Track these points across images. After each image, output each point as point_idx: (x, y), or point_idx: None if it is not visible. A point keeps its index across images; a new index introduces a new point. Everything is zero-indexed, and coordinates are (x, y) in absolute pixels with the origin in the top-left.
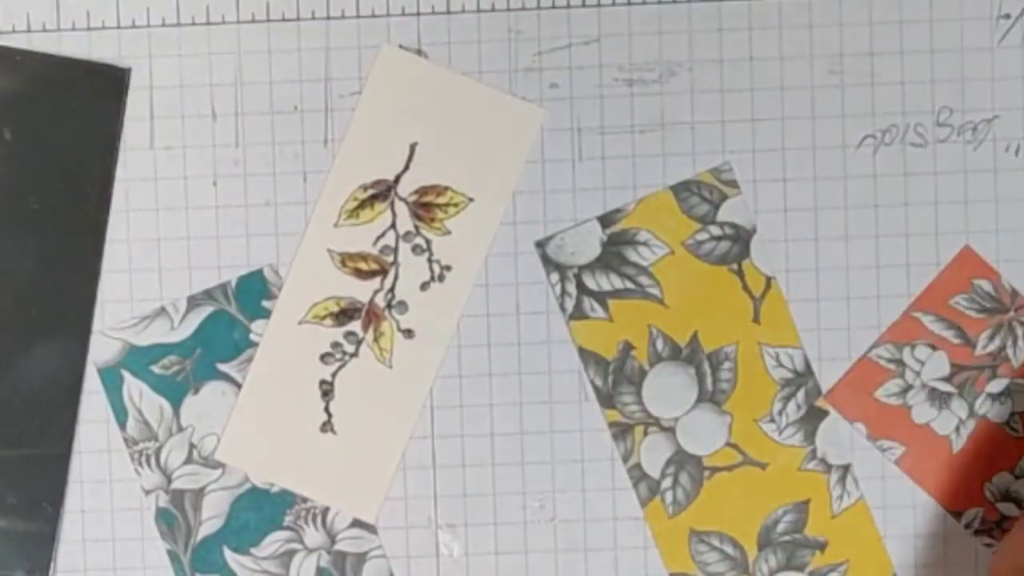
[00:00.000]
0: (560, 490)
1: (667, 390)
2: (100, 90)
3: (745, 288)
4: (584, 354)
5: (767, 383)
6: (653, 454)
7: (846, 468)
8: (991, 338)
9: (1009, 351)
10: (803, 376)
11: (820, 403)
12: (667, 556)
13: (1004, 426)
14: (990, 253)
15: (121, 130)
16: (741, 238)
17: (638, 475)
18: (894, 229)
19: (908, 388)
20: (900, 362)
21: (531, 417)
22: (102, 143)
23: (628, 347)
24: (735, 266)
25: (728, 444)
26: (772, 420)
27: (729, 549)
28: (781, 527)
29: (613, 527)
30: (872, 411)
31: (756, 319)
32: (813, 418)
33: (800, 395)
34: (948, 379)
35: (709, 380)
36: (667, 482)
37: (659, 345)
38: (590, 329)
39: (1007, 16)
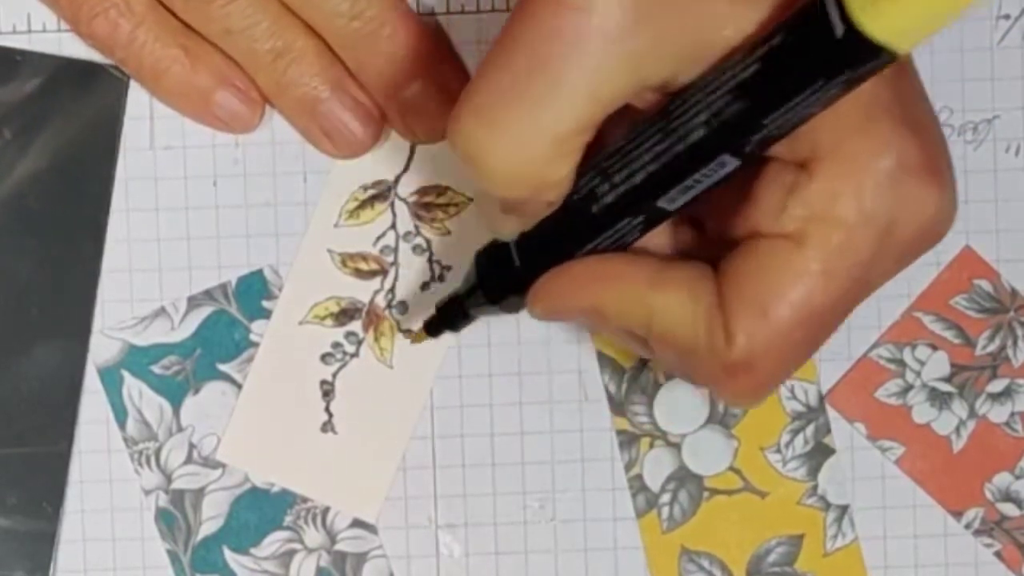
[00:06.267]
0: (560, 490)
1: (679, 406)
2: (100, 90)
3: None
4: (602, 357)
5: (778, 414)
6: (656, 467)
7: (844, 509)
8: (991, 338)
9: (1009, 351)
10: (815, 412)
11: (827, 441)
12: (655, 570)
13: (1004, 426)
14: (990, 253)
15: (121, 130)
16: None
17: (638, 486)
18: None
19: (908, 388)
20: (900, 362)
21: (531, 417)
22: (102, 143)
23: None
24: None
25: (731, 468)
26: (778, 451)
27: (718, 572)
28: (772, 558)
29: (613, 527)
30: (872, 411)
31: None
32: (819, 455)
33: (809, 430)
34: (948, 379)
35: (722, 402)
36: (666, 497)
37: None
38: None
39: (1007, 16)
